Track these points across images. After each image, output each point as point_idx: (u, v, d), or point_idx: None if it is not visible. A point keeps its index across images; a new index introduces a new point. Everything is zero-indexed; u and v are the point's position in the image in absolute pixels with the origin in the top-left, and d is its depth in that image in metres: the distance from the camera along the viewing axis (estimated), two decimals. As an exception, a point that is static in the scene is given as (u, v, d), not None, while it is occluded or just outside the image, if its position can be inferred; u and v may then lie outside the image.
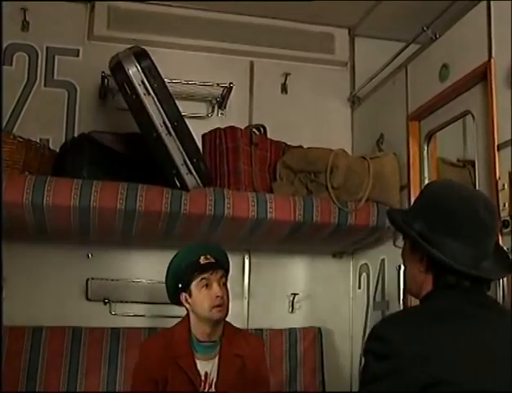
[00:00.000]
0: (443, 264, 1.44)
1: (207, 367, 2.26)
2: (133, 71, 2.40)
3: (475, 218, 1.46)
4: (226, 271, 2.34)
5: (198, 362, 2.26)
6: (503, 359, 1.35)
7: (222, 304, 2.24)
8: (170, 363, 2.23)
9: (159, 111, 2.44)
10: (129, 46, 2.53)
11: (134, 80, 2.40)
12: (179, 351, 2.25)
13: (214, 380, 2.26)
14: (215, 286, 2.24)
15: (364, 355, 1.42)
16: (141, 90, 2.41)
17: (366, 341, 1.43)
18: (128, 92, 2.43)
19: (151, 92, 2.42)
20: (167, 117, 2.45)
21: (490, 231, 1.50)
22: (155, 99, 2.43)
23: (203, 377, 2.25)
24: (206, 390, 2.25)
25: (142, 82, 2.41)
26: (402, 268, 2.51)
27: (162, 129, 2.46)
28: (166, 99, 2.46)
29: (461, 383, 1.30)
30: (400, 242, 1.64)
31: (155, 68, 2.46)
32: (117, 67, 2.43)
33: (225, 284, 2.29)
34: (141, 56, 2.44)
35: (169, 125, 2.46)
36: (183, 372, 2.22)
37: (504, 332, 1.43)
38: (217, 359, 2.28)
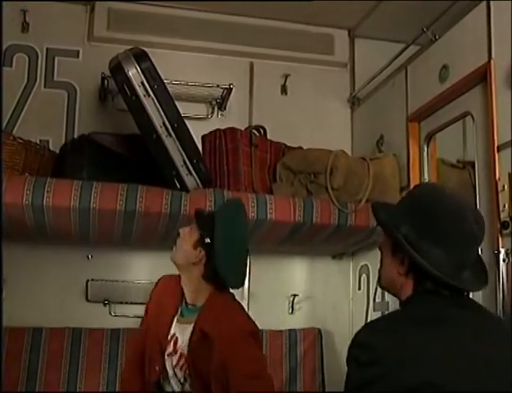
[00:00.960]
0: (425, 271, 1.44)
1: (178, 329, 2.13)
2: (133, 73, 2.40)
3: (462, 228, 1.46)
4: (201, 225, 2.14)
5: (175, 321, 2.15)
6: (486, 360, 1.36)
7: (176, 245, 2.16)
8: (156, 306, 2.21)
9: (159, 113, 2.44)
10: (129, 47, 2.53)
11: (134, 81, 2.40)
12: (168, 302, 2.19)
13: (182, 346, 2.10)
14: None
15: (347, 363, 1.41)
16: (140, 91, 2.41)
17: (349, 349, 1.42)
18: (128, 93, 2.43)
19: (151, 93, 2.42)
20: (167, 118, 2.45)
21: (476, 242, 1.50)
22: (155, 100, 2.43)
23: (169, 337, 2.13)
24: (176, 357, 2.10)
25: (142, 83, 2.41)
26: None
27: (162, 131, 2.46)
28: (166, 100, 2.46)
29: (446, 384, 1.30)
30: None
31: (155, 69, 2.46)
32: (117, 68, 2.43)
33: (192, 234, 2.12)
34: (140, 57, 2.44)
35: (169, 127, 2.46)
36: (158, 322, 2.16)
37: (486, 332, 1.44)
38: (191, 327, 2.10)
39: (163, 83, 2.49)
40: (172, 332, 2.13)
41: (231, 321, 2.09)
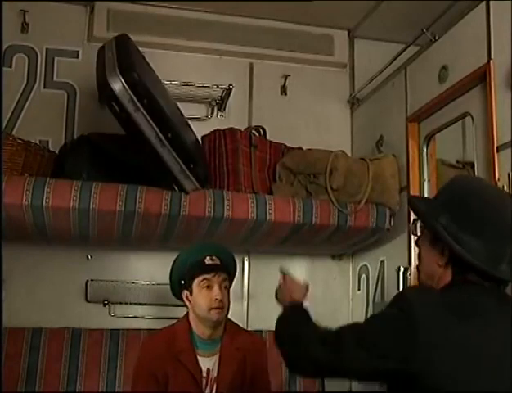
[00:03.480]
0: (464, 261, 1.44)
1: (209, 363, 2.26)
2: (119, 88, 2.29)
3: (502, 219, 1.46)
4: (230, 275, 2.34)
5: (200, 358, 2.26)
6: None
7: (221, 307, 2.25)
8: (171, 359, 2.23)
9: (151, 126, 2.36)
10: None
11: (122, 99, 2.30)
12: (180, 347, 2.26)
13: (216, 376, 2.26)
14: (216, 288, 2.25)
15: (389, 306, 1.45)
16: (130, 108, 2.31)
17: (397, 300, 1.46)
18: (117, 110, 2.34)
19: (141, 108, 2.32)
20: (160, 131, 2.37)
21: None
22: (145, 114, 2.33)
23: (205, 374, 2.25)
24: (209, 388, 2.25)
25: (131, 99, 2.30)
26: (402, 269, 2.50)
27: (155, 142, 2.39)
28: (157, 112, 2.37)
29: (467, 380, 1.31)
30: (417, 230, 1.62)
31: (141, 80, 2.35)
32: (103, 87, 2.33)
33: (227, 288, 2.30)
34: (126, 70, 2.32)
35: (163, 138, 2.39)
36: (184, 368, 2.22)
37: None
38: (218, 356, 2.28)
39: (152, 94, 2.38)
40: (204, 368, 2.26)
41: (255, 337, 2.45)
